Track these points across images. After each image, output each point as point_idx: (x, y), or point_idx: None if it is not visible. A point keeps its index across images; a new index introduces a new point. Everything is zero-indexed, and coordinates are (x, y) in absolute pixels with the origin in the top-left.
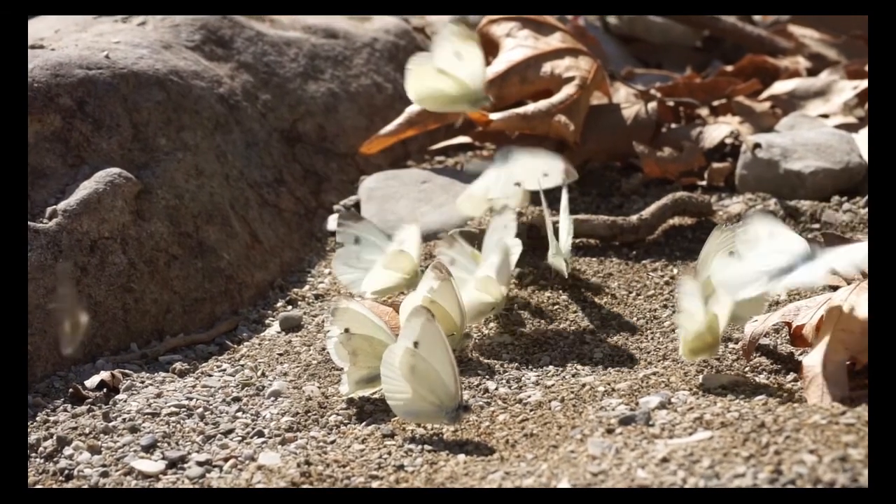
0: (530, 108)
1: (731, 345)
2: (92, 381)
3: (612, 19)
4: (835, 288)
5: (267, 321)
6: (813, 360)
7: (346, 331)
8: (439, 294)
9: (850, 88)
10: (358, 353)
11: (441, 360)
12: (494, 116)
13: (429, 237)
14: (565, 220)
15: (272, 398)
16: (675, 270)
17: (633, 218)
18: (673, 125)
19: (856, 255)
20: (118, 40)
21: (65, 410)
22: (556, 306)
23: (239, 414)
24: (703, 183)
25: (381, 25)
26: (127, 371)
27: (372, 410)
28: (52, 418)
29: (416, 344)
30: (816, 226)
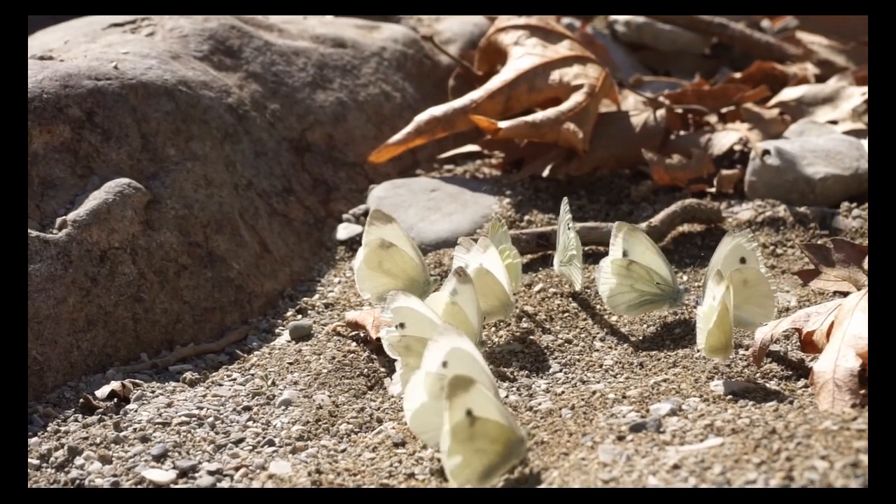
0: (539, 115)
1: (741, 351)
2: (102, 391)
3: (619, 27)
4: (845, 294)
5: (277, 330)
6: (823, 366)
7: (401, 326)
8: (461, 297)
9: (858, 94)
10: (411, 349)
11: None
12: (503, 124)
13: (438, 245)
14: (563, 236)
15: (283, 407)
16: (685, 277)
17: (643, 225)
18: (682, 132)
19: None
20: (127, 51)
21: (76, 420)
22: (566, 314)
23: (249, 423)
24: (713, 190)
25: (389, 34)
26: (137, 381)
27: (382, 419)
28: (62, 428)
29: (444, 364)
30: (826, 232)
